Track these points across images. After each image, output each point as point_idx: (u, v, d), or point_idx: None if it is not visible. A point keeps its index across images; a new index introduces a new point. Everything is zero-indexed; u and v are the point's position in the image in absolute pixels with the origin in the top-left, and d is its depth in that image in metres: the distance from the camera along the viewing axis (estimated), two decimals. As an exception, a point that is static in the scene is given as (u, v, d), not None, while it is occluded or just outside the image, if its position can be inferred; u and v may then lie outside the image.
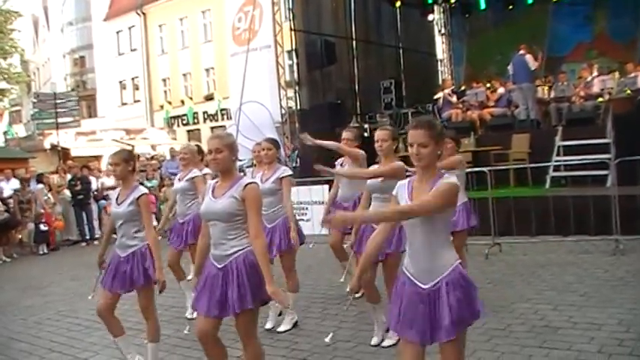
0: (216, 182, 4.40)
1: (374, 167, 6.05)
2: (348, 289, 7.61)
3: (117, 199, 5.48)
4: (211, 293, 4.24)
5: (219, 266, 4.26)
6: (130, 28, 43.45)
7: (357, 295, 7.62)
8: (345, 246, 7.70)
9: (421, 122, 3.59)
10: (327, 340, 5.70)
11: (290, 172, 6.75)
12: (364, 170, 6.28)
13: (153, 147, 18.30)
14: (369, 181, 5.83)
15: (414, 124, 3.60)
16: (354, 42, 19.48)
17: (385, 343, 5.77)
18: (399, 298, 3.60)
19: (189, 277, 8.00)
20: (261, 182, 6.53)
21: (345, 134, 7.16)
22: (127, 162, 5.45)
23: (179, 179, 7.60)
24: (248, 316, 4.23)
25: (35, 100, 24.28)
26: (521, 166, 12.37)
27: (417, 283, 3.51)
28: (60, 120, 22.82)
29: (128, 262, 5.37)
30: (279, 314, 6.68)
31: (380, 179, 5.68)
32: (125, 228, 5.41)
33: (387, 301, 5.73)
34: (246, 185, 4.23)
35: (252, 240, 4.20)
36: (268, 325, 6.60)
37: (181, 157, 7.81)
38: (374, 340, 5.85)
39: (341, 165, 7.36)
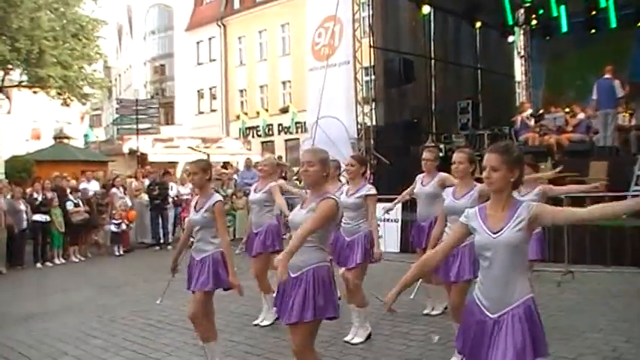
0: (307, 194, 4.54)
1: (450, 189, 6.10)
2: (426, 311, 7.76)
3: (195, 206, 5.73)
4: (285, 302, 4.39)
5: (292, 275, 4.36)
6: (210, 39, 44.39)
7: (434, 313, 7.76)
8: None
9: (496, 146, 3.61)
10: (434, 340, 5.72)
11: (374, 191, 6.81)
12: None
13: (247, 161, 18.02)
14: (446, 203, 5.90)
15: (490, 148, 3.63)
16: (432, 61, 19.51)
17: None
18: (467, 324, 3.62)
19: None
20: (346, 196, 6.70)
21: (425, 154, 7.26)
22: (204, 171, 5.71)
23: (255, 190, 7.75)
24: (306, 328, 4.33)
25: (118, 106, 25.07)
26: (599, 194, 12.17)
27: (485, 311, 3.50)
28: (140, 126, 23.51)
29: (202, 265, 5.61)
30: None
31: (457, 200, 5.75)
32: (202, 233, 5.67)
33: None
34: (322, 200, 4.31)
35: (323, 252, 4.38)
36: (347, 338, 6.71)
37: (261, 168, 7.97)
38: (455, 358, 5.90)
39: (421, 183, 7.44)
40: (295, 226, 4.43)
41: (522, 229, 3.43)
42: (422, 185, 7.43)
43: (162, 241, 16.01)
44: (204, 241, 5.66)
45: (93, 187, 16.30)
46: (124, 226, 15.28)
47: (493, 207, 3.59)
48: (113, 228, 15.12)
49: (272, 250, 7.58)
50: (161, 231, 16.11)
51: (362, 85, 17.02)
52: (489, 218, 3.55)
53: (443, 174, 7.20)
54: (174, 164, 27.11)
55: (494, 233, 3.47)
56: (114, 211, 15.23)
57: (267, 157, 8.42)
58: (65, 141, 23.18)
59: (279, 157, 27.26)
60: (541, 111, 18.28)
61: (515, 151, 3.63)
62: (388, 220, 12.73)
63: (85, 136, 43.49)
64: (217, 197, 5.69)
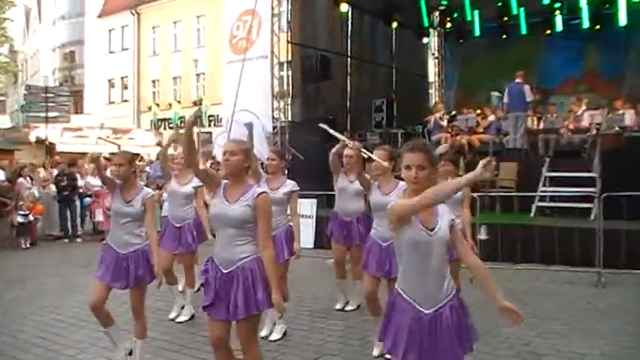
0: (227, 185, 4.42)
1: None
2: (338, 306, 7.84)
3: (123, 197, 5.54)
4: (218, 297, 4.29)
5: (224, 271, 4.29)
6: (122, 27, 43.40)
7: (347, 309, 7.84)
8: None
9: (419, 145, 3.62)
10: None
11: (298, 188, 6.85)
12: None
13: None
14: (375, 198, 5.95)
15: (412, 147, 3.62)
16: (348, 59, 19.66)
17: (375, 352, 5.90)
18: (399, 323, 3.60)
19: (180, 288, 8.02)
20: (269, 191, 6.65)
21: (347, 151, 7.27)
22: (130, 163, 5.61)
23: (180, 183, 7.62)
24: (251, 322, 4.31)
25: (26, 92, 24.21)
26: (508, 193, 12.58)
27: (419, 308, 3.53)
28: (49, 114, 22.81)
29: (131, 259, 5.46)
30: (274, 324, 6.76)
31: (391, 198, 5.80)
32: (130, 226, 5.52)
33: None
34: (259, 195, 4.29)
35: (261, 250, 4.28)
36: (263, 333, 6.65)
37: (177, 161, 7.84)
38: (375, 352, 5.94)
39: (348, 179, 7.44)
40: (228, 220, 4.30)
41: (449, 228, 3.57)
42: (349, 182, 7.42)
43: (70, 233, 15.52)
44: (132, 234, 5.52)
45: (-2, 175, 15.69)
46: (31, 217, 14.69)
47: None
48: (20, 219, 14.51)
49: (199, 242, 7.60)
50: (69, 223, 15.62)
51: (279, 80, 17.00)
52: (419, 215, 3.57)
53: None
54: (83, 155, 26.32)
55: (431, 230, 3.54)
56: (21, 202, 14.63)
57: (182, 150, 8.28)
58: (-32, 127, 22.26)
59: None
60: (453, 112, 18.69)
61: (433, 149, 3.73)
62: (303, 215, 12.73)
63: (-13, 123, 41.81)
64: (149, 191, 5.64)
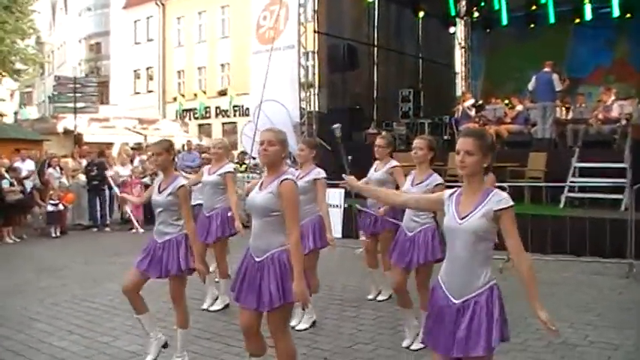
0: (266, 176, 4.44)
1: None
2: (370, 296, 7.85)
3: (159, 187, 5.60)
4: (249, 286, 4.31)
5: (256, 259, 4.31)
6: (148, 18, 43.46)
7: (379, 298, 7.85)
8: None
9: (471, 131, 3.66)
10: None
11: (324, 175, 6.76)
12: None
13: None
14: (404, 188, 5.94)
15: (464, 132, 3.64)
16: (375, 48, 19.62)
17: (414, 347, 5.88)
18: (432, 310, 3.63)
19: (216, 279, 8.02)
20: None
21: (378, 141, 7.29)
22: (168, 152, 5.61)
23: (210, 172, 7.63)
24: (281, 312, 4.27)
25: (55, 83, 24.44)
26: (538, 184, 12.47)
27: (449, 296, 3.52)
28: (77, 105, 23.01)
29: (164, 248, 5.48)
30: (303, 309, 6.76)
31: (412, 187, 5.81)
32: (164, 216, 5.55)
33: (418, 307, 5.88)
34: (282, 181, 4.24)
35: (286, 236, 4.24)
36: (293, 323, 6.65)
37: (214, 151, 7.84)
38: (405, 342, 5.96)
39: (374, 169, 7.47)
40: (255, 207, 4.35)
41: (487, 217, 3.46)
42: (374, 171, 7.47)
43: (99, 222, 15.65)
44: (166, 224, 5.54)
45: (28, 166, 15.81)
46: (61, 207, 14.82)
47: (465, 192, 3.61)
48: (50, 208, 14.64)
49: (229, 234, 7.55)
50: (98, 212, 15.76)
51: (306, 70, 17.00)
52: (461, 203, 3.58)
53: (395, 163, 7.26)
54: (110, 145, 26.55)
55: (461, 219, 3.51)
56: (51, 192, 14.77)
57: (220, 140, 8.32)
58: (-1, 118, 22.56)
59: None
60: (480, 102, 18.59)
61: (489, 137, 3.65)
62: (330, 205, 12.72)
63: (15, 113, 42.22)
64: (182, 181, 5.59)
